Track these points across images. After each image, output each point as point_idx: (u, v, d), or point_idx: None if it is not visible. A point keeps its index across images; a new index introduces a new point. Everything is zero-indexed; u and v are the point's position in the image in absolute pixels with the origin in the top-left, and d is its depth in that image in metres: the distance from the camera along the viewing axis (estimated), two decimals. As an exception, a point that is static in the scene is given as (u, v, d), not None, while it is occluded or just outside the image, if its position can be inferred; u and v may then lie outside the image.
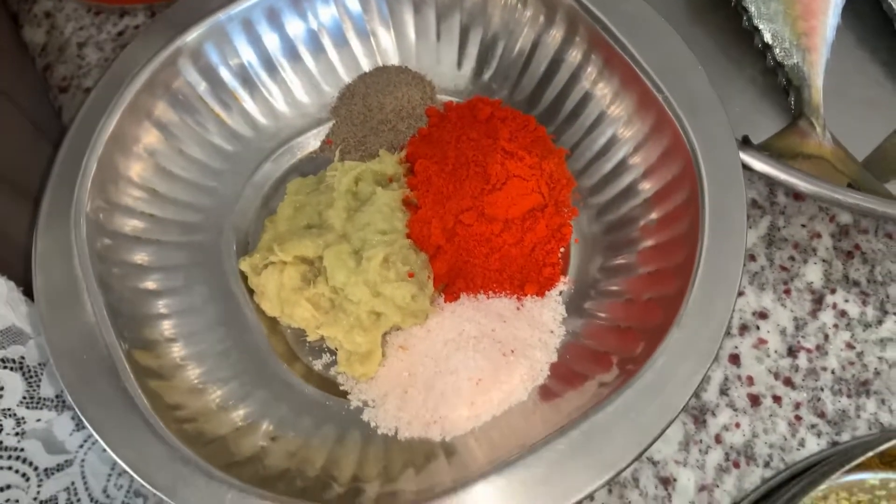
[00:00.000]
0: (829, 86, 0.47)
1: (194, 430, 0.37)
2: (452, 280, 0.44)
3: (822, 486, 0.34)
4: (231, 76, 0.48)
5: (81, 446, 0.41)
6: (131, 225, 0.43)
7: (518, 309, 0.43)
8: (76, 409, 0.35)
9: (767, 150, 0.44)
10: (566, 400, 0.37)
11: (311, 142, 0.49)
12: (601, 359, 0.39)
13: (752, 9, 0.48)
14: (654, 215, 0.41)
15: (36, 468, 0.38)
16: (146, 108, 0.45)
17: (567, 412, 0.36)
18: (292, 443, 0.39)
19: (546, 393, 0.39)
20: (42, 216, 0.40)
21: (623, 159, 0.43)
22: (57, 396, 0.39)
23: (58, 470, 0.39)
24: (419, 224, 0.44)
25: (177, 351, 0.40)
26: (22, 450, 0.38)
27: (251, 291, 0.44)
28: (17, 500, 0.37)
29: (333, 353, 0.43)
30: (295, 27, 0.48)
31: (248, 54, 0.47)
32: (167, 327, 0.40)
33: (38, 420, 0.38)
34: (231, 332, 0.42)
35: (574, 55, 0.46)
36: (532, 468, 0.33)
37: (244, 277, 0.44)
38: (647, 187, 0.42)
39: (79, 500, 0.40)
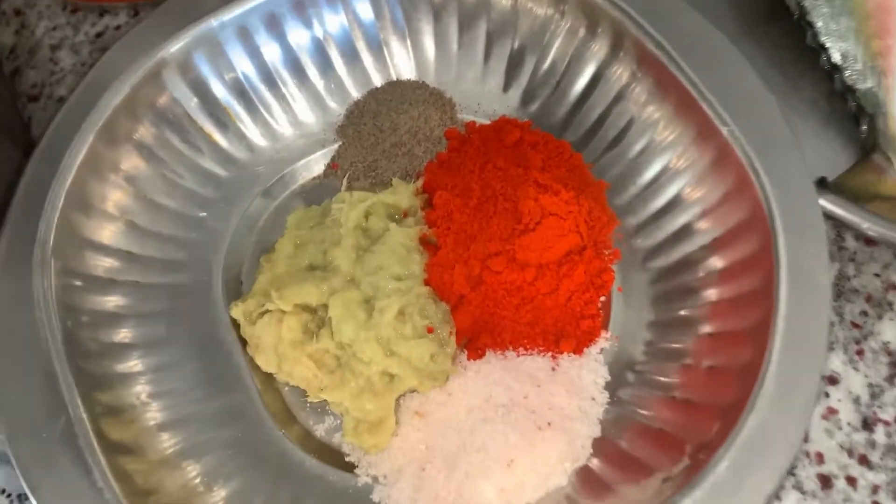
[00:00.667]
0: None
1: (173, 520, 0.31)
2: (477, 335, 0.38)
3: None
4: (225, 91, 0.42)
5: None
6: (105, 264, 0.37)
7: (553, 370, 0.37)
8: (32, 499, 0.29)
9: (839, 190, 0.39)
10: (619, 494, 0.31)
11: (315, 167, 0.43)
12: (662, 440, 0.33)
13: (819, 24, 0.42)
14: (716, 263, 0.36)
15: (9, 495, 0.35)
16: (125, 128, 0.39)
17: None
18: (289, 530, 0.33)
19: (592, 479, 0.33)
20: (-1, 255, 0.34)
21: (676, 196, 0.38)
22: None
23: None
24: (440, 269, 0.38)
25: (152, 416, 0.34)
26: None
27: (244, 342, 0.38)
28: None
29: (338, 416, 0.37)
30: (298, 36, 0.42)
31: (244, 66, 0.42)
32: (142, 387, 0.34)
33: None
34: (218, 390, 0.36)
35: (619, 73, 0.40)
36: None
37: (236, 325, 0.38)
38: (706, 229, 0.36)
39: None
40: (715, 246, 0.36)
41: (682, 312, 0.36)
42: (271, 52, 0.42)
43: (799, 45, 0.44)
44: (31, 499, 0.30)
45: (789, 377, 0.30)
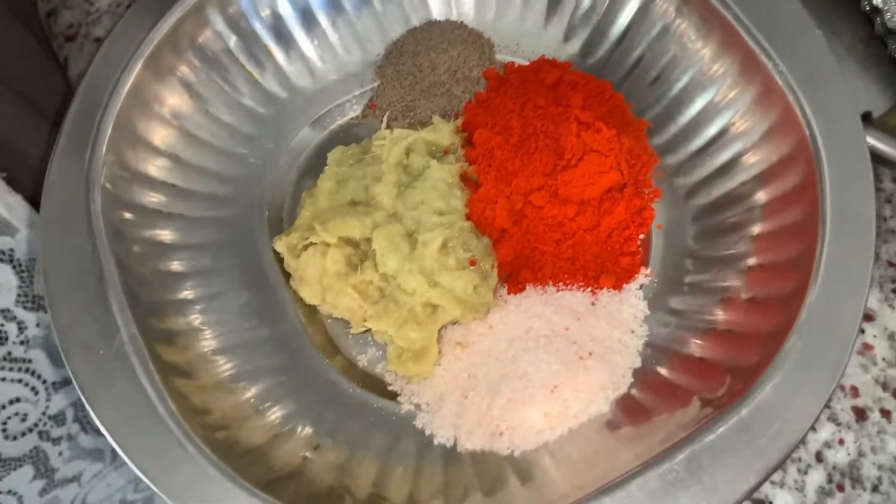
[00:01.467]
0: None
1: (227, 438, 0.32)
2: (518, 269, 0.38)
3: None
4: (264, 29, 0.42)
5: None
6: (153, 197, 0.37)
7: (593, 304, 0.37)
8: (92, 415, 0.30)
9: (883, 128, 0.39)
10: (659, 418, 0.32)
11: (354, 106, 0.43)
12: (703, 370, 0.33)
13: (863, -35, 0.42)
14: (760, 198, 0.36)
15: (44, 381, 0.37)
16: (168, 63, 0.39)
17: (664, 433, 0.31)
18: (337, 453, 0.34)
19: (632, 406, 0.34)
20: (51, 178, 0.35)
21: (719, 133, 0.38)
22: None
23: (64, 384, 0.38)
24: (481, 204, 0.38)
25: (205, 342, 0.35)
26: (29, 360, 0.36)
27: (287, 275, 0.39)
28: (27, 414, 0.36)
29: (379, 346, 0.38)
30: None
31: (282, 4, 0.41)
32: (194, 315, 0.35)
33: (38, 325, 0.36)
34: (264, 321, 0.37)
35: (663, 8, 0.40)
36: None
37: (279, 259, 0.39)
38: (750, 164, 0.36)
39: (86, 416, 0.39)
40: (758, 180, 0.36)
41: (724, 248, 0.36)
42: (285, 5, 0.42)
43: (839, -12, 0.44)
44: (90, 412, 0.30)
45: (833, 304, 0.30)
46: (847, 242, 0.31)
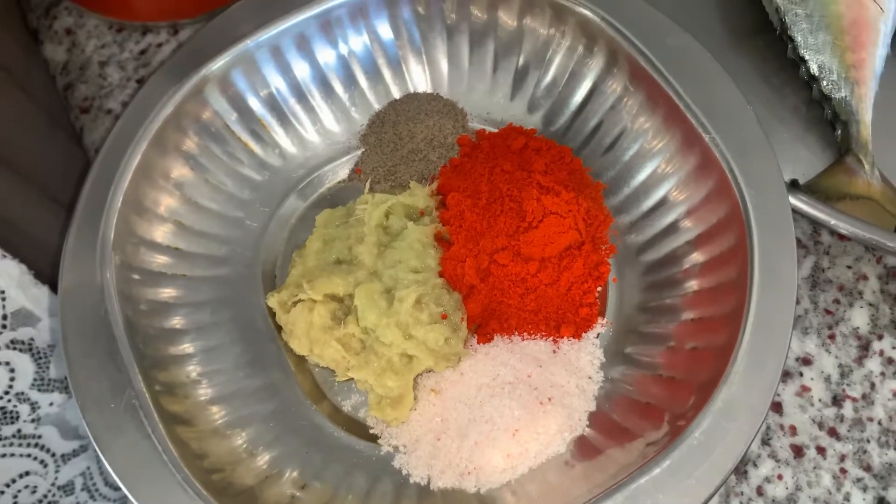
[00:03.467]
0: (876, 119, 0.45)
1: (222, 480, 0.36)
2: (486, 321, 0.42)
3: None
4: (260, 104, 0.46)
5: None
6: (158, 260, 0.42)
7: (554, 352, 0.41)
8: (105, 463, 0.34)
9: (814, 190, 0.43)
10: (609, 457, 0.36)
11: (340, 171, 0.48)
12: (648, 412, 0.37)
13: (799, 38, 0.46)
14: (698, 258, 0.40)
15: (53, 454, 0.40)
16: (173, 139, 0.43)
17: (611, 471, 0.35)
18: (322, 492, 0.38)
19: (586, 446, 0.38)
20: (67, 252, 0.39)
21: (664, 197, 0.42)
22: (66, 377, 0.39)
23: (73, 455, 0.40)
24: (452, 262, 0.42)
25: (202, 392, 0.39)
26: (39, 436, 0.39)
27: (279, 328, 0.43)
28: (36, 486, 0.38)
29: (362, 393, 0.42)
30: (325, 55, 0.47)
31: (277, 82, 0.46)
32: (193, 367, 0.39)
33: (51, 404, 0.39)
34: (257, 371, 0.41)
35: (613, 87, 0.44)
36: (575, 532, 0.32)
37: (272, 313, 0.43)
38: (690, 227, 0.40)
39: (94, 485, 0.41)
40: (697, 242, 0.40)
41: (668, 301, 0.40)
42: (301, 69, 0.46)
43: (781, 57, 0.48)
44: (103, 460, 0.35)
45: (758, 356, 0.34)
46: (772, 300, 0.35)
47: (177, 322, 0.40)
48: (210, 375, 0.39)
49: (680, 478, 0.33)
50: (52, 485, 0.39)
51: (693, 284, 0.39)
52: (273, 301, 0.43)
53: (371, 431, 0.41)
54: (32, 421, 0.39)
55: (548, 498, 0.35)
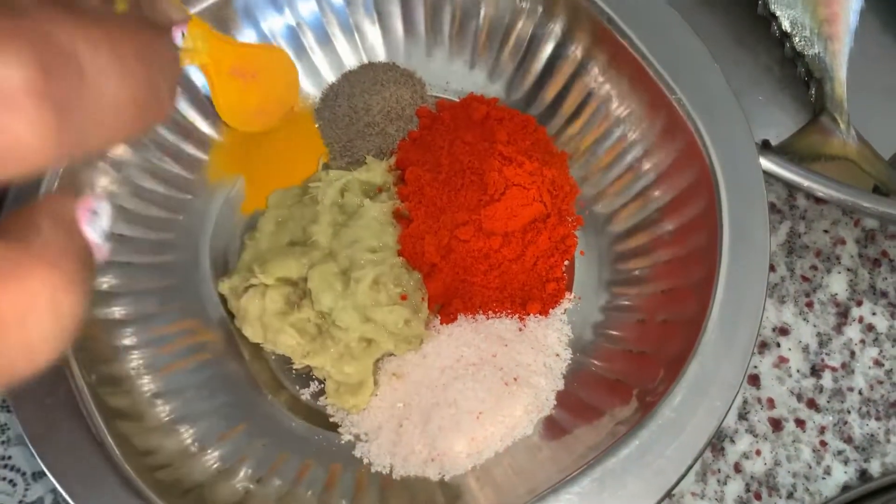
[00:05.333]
0: (851, 76, 0.44)
1: (168, 477, 0.34)
2: (449, 300, 0.40)
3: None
4: (202, 76, 0.43)
5: None
6: (97, 247, 0.39)
7: (520, 330, 0.39)
8: (40, 462, 0.32)
9: (788, 151, 0.41)
10: (577, 437, 0.34)
11: (293, 148, 0.45)
12: (616, 389, 0.35)
13: (769, -6, 0.44)
14: (667, 226, 0.38)
15: (23, 473, 0.39)
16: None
17: (579, 452, 0.33)
18: (279, 485, 0.36)
19: (553, 427, 0.36)
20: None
21: (631, 164, 0.40)
22: None
23: (43, 474, 0.39)
24: (412, 240, 0.40)
25: (146, 385, 0.37)
26: (9, 457, 0.39)
27: (232, 315, 0.41)
28: None
29: (322, 381, 0.40)
30: (272, 23, 0.44)
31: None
32: (135, 359, 0.37)
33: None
34: (208, 361, 0.39)
35: (576, 50, 0.42)
36: (542, 518, 0.30)
37: (224, 300, 0.41)
38: (658, 195, 0.38)
39: (64, 500, 0.39)
40: (666, 209, 0.38)
41: (637, 272, 0.38)
42: (248, 39, 0.44)
43: (752, 14, 0.46)
44: (37, 458, 0.32)
45: (730, 327, 0.32)
46: (743, 267, 0.34)
47: (118, 312, 0.38)
48: (155, 368, 0.37)
49: (650, 458, 0.31)
50: (20, 502, 0.39)
51: (662, 254, 0.38)
52: (224, 287, 0.40)
53: (331, 420, 0.39)
54: (2, 443, 0.39)
55: (514, 482, 0.34)
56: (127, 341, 0.37)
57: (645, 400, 0.33)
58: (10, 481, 0.39)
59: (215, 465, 0.35)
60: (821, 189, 0.37)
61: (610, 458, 0.31)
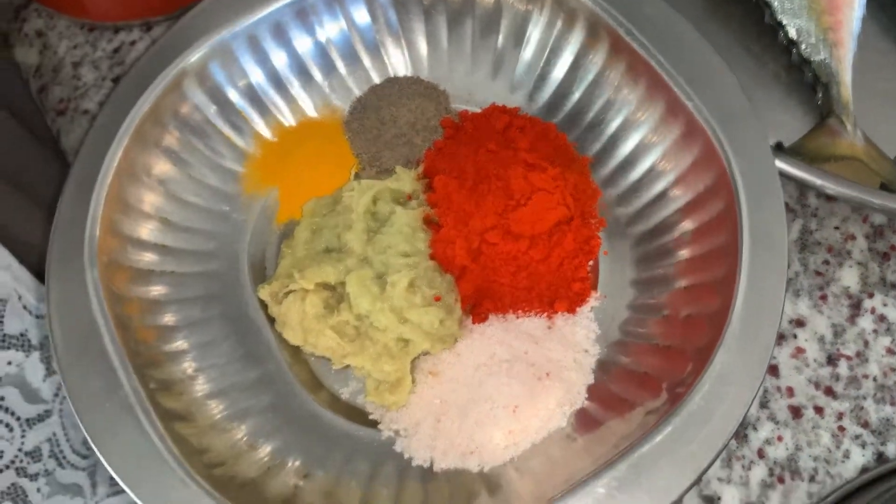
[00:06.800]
0: (855, 80, 0.46)
1: (224, 474, 0.35)
2: (479, 300, 0.42)
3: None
4: (239, 96, 0.46)
5: (56, 395, 0.41)
6: (145, 258, 0.41)
7: (549, 328, 0.41)
8: (104, 462, 0.34)
9: (798, 153, 0.43)
10: (609, 428, 0.36)
11: (325, 160, 0.47)
12: (646, 382, 0.37)
13: (776, 4, 0.46)
14: (688, 226, 0.40)
15: (18, 417, 0.38)
16: (153, 136, 0.43)
17: (612, 442, 0.35)
18: (325, 480, 0.37)
19: (586, 419, 0.38)
20: (52, 258, 0.39)
21: (651, 167, 0.42)
22: (21, 335, 0.39)
23: (39, 420, 0.39)
24: (442, 244, 0.42)
25: (199, 388, 0.39)
26: (2, 398, 0.38)
27: (272, 320, 0.43)
28: (3, 451, 0.37)
29: (360, 380, 0.42)
30: (302, 43, 0.46)
31: (255, 73, 0.46)
32: (188, 363, 0.39)
33: (9, 363, 0.38)
34: (252, 364, 0.41)
35: (595, 61, 0.44)
36: (582, 505, 0.32)
37: (263, 305, 0.43)
38: (679, 195, 0.40)
39: (61, 451, 0.40)
40: (686, 210, 0.40)
41: (660, 271, 0.40)
42: (279, 58, 0.46)
43: (760, 23, 0.48)
44: (103, 461, 0.34)
45: (753, 320, 0.34)
46: (763, 263, 0.35)
47: (168, 319, 0.40)
48: (206, 370, 0.39)
49: (681, 444, 0.33)
50: (20, 450, 0.38)
51: (684, 253, 0.40)
52: (264, 293, 0.42)
53: (371, 417, 0.40)
54: None
55: (551, 472, 0.35)
56: (178, 346, 0.39)
57: (674, 391, 0.35)
58: (7, 425, 0.38)
59: (266, 461, 0.37)
60: (832, 187, 0.39)
61: (643, 445, 0.33)
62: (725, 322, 0.34)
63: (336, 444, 0.39)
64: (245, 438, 0.37)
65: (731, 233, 0.37)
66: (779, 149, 0.42)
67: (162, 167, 0.43)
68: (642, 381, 0.37)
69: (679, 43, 0.41)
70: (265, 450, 0.37)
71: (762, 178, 0.37)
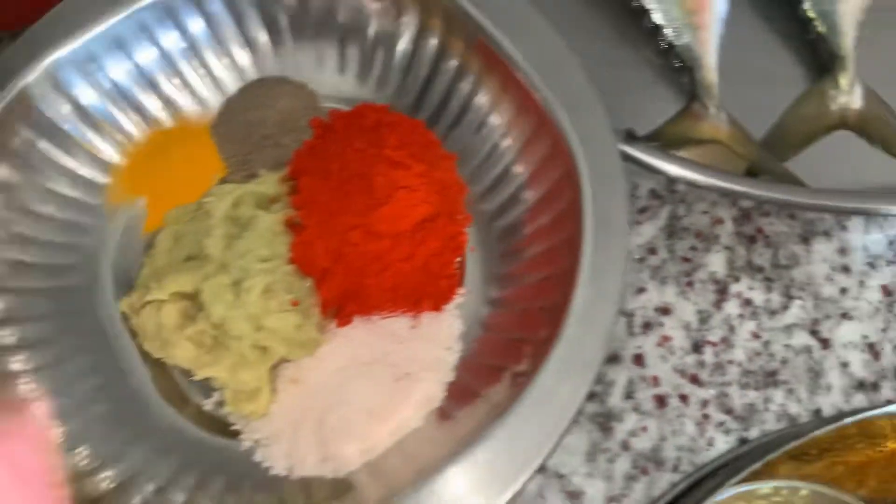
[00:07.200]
0: (725, 62, 0.45)
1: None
2: (344, 303, 0.42)
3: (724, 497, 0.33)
4: (99, 101, 0.44)
5: None
6: (-10, 274, 0.40)
7: (413, 328, 0.41)
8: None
9: (658, 139, 0.43)
10: (459, 421, 0.36)
11: (191, 165, 0.46)
12: (499, 376, 0.37)
13: (639, -12, 0.46)
14: (542, 221, 0.40)
15: None
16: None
17: (460, 435, 0.35)
18: (183, 495, 0.37)
19: (441, 415, 0.38)
20: None
21: (508, 163, 0.42)
22: None
23: None
24: (302, 247, 0.41)
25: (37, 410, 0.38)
26: None
27: (135, 333, 0.42)
28: None
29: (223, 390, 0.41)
30: (168, 40, 0.45)
31: (117, 72, 0.44)
32: (23, 384, 0.38)
33: None
34: (108, 382, 0.40)
35: (453, 58, 0.43)
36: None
37: (127, 318, 0.42)
38: (532, 192, 0.40)
39: None
40: (540, 204, 0.40)
41: (514, 266, 0.40)
42: (145, 58, 0.45)
43: (628, 7, 0.48)
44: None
45: (591, 311, 0.34)
46: (604, 255, 0.35)
47: (8, 337, 0.39)
48: (50, 390, 0.38)
49: (523, 434, 0.33)
50: None
51: (537, 247, 0.39)
52: (125, 305, 0.41)
53: (233, 428, 0.40)
54: None
55: (402, 470, 0.35)
56: (16, 367, 0.38)
57: (517, 382, 0.35)
58: None
59: (111, 484, 0.36)
60: (679, 170, 0.39)
61: (486, 436, 0.33)
62: (564, 315, 0.34)
63: (195, 458, 0.38)
64: (89, 460, 0.37)
65: (578, 225, 0.36)
66: (631, 136, 0.41)
67: (4, 171, 0.41)
68: (496, 376, 0.37)
69: (531, 37, 0.40)
70: (109, 473, 0.37)
71: (606, 169, 0.37)
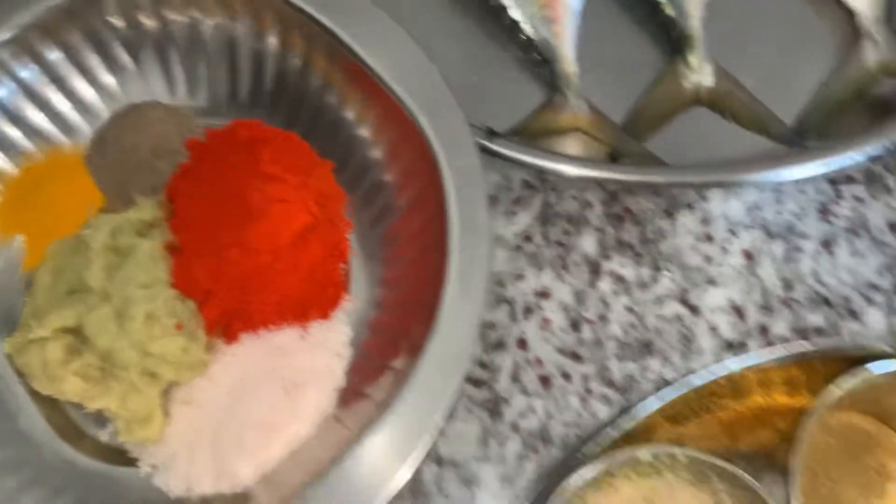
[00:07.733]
0: (583, 51, 0.47)
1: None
2: (230, 322, 0.42)
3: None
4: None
5: None
6: None
7: (303, 338, 0.42)
8: None
9: (523, 132, 0.45)
10: (348, 422, 0.37)
11: (66, 198, 0.46)
12: (378, 374, 0.38)
13: (494, -14, 0.47)
14: (413, 224, 0.41)
15: None
16: None
17: (349, 435, 0.36)
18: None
19: (333, 419, 0.39)
20: None
21: (379, 174, 0.43)
22: None
23: None
24: (181, 270, 0.42)
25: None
26: None
27: (22, 374, 0.41)
28: None
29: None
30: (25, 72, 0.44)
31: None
32: None
33: None
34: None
35: (317, 69, 0.44)
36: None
37: (12, 360, 0.42)
38: (402, 196, 0.42)
39: None
40: (410, 212, 0.41)
41: (397, 267, 0.41)
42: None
43: (486, 6, 0.49)
44: None
45: (458, 308, 0.36)
46: (468, 254, 0.37)
47: None
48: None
49: (402, 429, 0.34)
50: None
51: (412, 251, 0.41)
52: (8, 347, 0.41)
53: (130, 456, 0.40)
54: None
55: (294, 476, 0.36)
56: None
57: (398, 378, 0.36)
58: None
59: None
60: (542, 162, 0.41)
61: (370, 433, 0.34)
62: (435, 314, 0.36)
63: (94, 491, 0.39)
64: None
65: (443, 226, 0.38)
66: (492, 133, 0.43)
67: None
68: (381, 374, 0.38)
69: (390, 46, 0.42)
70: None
71: (466, 168, 0.38)
